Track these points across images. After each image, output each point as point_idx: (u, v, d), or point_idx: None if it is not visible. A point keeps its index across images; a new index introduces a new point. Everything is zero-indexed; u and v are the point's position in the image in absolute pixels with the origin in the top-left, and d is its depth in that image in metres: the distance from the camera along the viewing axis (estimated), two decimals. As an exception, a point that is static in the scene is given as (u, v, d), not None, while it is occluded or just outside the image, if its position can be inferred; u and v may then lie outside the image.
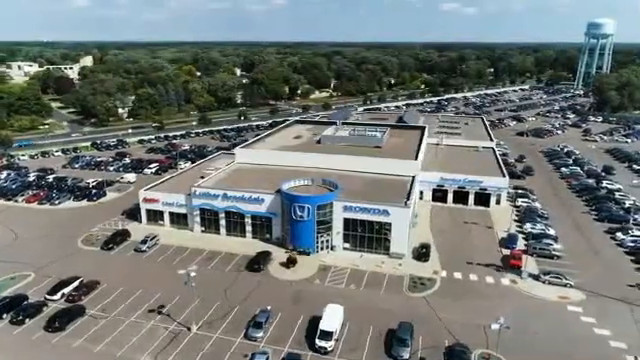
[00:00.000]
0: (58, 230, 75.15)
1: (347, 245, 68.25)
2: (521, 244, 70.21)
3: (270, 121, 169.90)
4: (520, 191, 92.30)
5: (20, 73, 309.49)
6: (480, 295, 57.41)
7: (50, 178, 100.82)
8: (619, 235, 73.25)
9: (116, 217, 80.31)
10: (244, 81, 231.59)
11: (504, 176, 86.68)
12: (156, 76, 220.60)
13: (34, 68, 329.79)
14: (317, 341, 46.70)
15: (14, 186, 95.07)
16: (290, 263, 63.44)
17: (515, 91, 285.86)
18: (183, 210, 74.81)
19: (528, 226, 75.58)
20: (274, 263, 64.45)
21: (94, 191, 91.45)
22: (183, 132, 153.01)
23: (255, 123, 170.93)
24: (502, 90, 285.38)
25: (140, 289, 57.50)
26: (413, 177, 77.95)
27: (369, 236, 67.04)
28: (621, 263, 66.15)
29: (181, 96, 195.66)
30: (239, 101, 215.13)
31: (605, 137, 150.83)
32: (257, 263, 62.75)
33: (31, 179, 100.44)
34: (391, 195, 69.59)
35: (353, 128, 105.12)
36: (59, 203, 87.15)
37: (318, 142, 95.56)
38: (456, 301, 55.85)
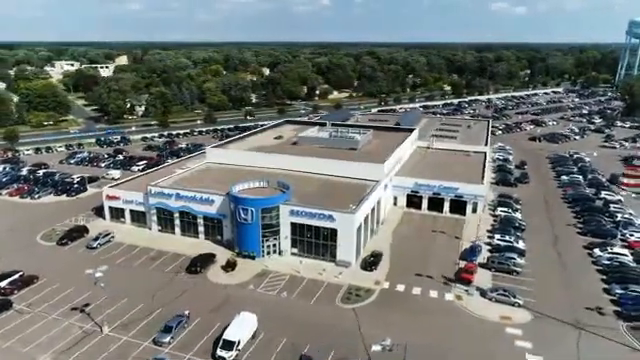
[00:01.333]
0: (26, 224, 77.08)
1: (295, 250, 66.11)
2: (484, 257, 65.69)
3: (279, 121, 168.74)
4: (502, 199, 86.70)
5: (60, 71, 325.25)
6: (415, 310, 53.85)
7: (40, 173, 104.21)
8: (596, 252, 67.06)
9: (84, 213, 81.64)
10: (262, 80, 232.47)
11: (482, 183, 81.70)
12: (176, 75, 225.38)
13: (75, 67, 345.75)
14: (218, 350, 45.02)
15: (4, 179, 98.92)
16: (228, 267, 62.05)
17: (547, 94, 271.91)
18: (142, 208, 75.01)
19: (496, 237, 70.57)
20: (216, 266, 63.25)
21: (75, 186, 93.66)
22: (187, 130, 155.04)
23: (261, 122, 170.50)
24: (531, 92, 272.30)
25: (73, 286, 57.79)
26: (376, 182, 74.82)
27: (316, 242, 64.62)
28: (589, 282, 60.42)
29: (195, 95, 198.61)
30: (254, 100, 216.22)
31: (626, 144, 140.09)
32: (195, 265, 61.74)
33: (23, 173, 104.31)
34: (346, 200, 66.71)
35: (336, 129, 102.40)
36: (39, 197, 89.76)
37: (294, 143, 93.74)
38: (386, 315, 52.62)
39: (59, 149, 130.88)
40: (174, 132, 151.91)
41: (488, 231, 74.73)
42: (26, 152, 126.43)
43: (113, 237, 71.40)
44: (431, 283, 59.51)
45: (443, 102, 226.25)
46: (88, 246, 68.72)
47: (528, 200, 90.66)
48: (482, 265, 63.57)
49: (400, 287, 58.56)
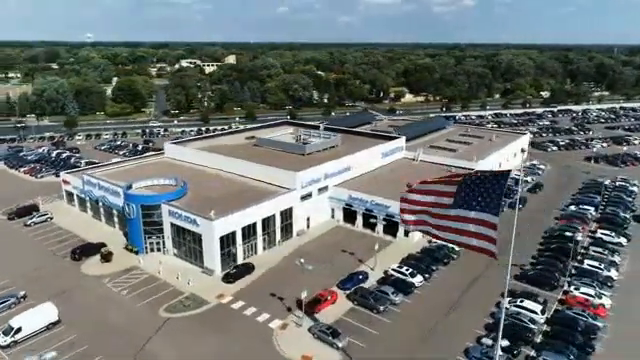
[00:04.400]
0: (7, 197, 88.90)
1: (176, 251, 65.76)
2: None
3: (317, 122, 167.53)
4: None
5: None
6: (225, 331, 49.85)
7: (63, 155, 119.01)
8: (504, 302, 53.90)
9: (57, 194, 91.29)
10: (330, 80, 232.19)
11: None
12: (251, 74, 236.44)
13: (190, 64, 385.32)
14: (-1, 334, 47.40)
15: (32, 158, 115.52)
16: (103, 258, 64.24)
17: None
18: (82, 195, 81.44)
19: (391, 267, 61.27)
20: (98, 256, 65.83)
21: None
22: (225, 127, 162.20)
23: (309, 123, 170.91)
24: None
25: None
26: (289, 190, 70.48)
27: (190, 246, 63.47)
28: (459, 335, 49.24)
29: (255, 94, 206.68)
30: (316, 100, 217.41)
31: None
32: (75, 252, 65.20)
33: (53, 155, 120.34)
34: (242, 205, 63.97)
35: (308, 132, 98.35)
36: (41, 177, 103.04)
37: (256, 145, 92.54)
38: (191, 331, 49.66)
39: (105, 136, 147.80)
40: (211, 128, 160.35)
41: (404, 259, 65.14)
42: (78, 138, 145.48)
43: (51, 218, 78.97)
44: (277, 306, 54.37)
45: (523, 111, 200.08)
46: (24, 223, 77.18)
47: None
48: (350, 296, 56.03)
49: (238, 305, 54.66)
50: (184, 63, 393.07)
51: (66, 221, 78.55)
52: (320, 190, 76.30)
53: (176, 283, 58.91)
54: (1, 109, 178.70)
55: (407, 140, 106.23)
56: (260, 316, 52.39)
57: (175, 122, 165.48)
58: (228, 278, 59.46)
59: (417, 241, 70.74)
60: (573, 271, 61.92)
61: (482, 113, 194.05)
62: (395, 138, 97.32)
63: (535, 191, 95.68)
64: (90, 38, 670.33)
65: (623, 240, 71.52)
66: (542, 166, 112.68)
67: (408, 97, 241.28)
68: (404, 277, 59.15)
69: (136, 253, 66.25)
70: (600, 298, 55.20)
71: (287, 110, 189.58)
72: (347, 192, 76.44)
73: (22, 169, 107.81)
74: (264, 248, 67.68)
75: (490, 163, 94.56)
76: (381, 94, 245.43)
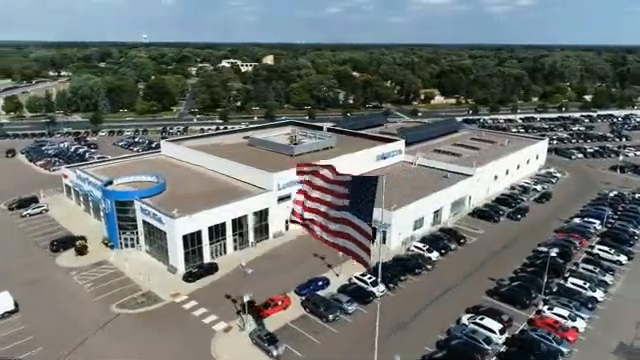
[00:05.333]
0: (15, 188, 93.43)
1: (148, 248, 66.51)
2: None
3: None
4: (440, 234, 71.04)
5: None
6: (171, 330, 49.66)
7: (80, 150, 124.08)
8: (463, 318, 50.46)
9: (60, 187, 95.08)
10: (357, 82, 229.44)
11: (391, 210, 68.02)
12: (280, 74, 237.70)
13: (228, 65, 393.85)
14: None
15: (51, 152, 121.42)
16: (77, 251, 65.93)
17: None
18: (77, 188, 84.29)
19: (354, 275, 58.93)
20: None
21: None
22: (242, 126, 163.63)
23: (320, 123, 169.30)
24: None
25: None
26: (265, 190, 69.74)
27: (159, 243, 63.94)
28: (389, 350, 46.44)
29: (280, 93, 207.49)
30: (342, 101, 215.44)
31: None
32: (53, 244, 67.35)
33: (71, 149, 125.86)
34: (208, 205, 63.94)
35: (304, 133, 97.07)
36: (53, 170, 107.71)
37: (250, 144, 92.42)
38: (140, 329, 49.92)
39: (127, 132, 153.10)
40: (229, 126, 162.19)
41: (373, 267, 62.47)
42: (101, 134, 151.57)
43: (46, 210, 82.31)
44: (229, 308, 53.62)
45: (558, 115, 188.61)
46: (21, 214, 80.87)
47: (487, 239, 72.38)
48: (305, 303, 54.35)
49: (190, 304, 54.40)
50: (224, 63, 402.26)
51: (59, 214, 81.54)
52: (301, 192, 74.82)
53: (137, 280, 59.48)
54: (41, 106, 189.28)
55: (412, 143, 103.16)
56: (208, 317, 51.82)
57: (194, 120, 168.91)
58: (188, 277, 59.37)
59: (394, 249, 67.93)
60: (555, 289, 57.25)
61: (512, 117, 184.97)
62: (390, 141, 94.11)
63: (542, 201, 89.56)
64: (145, 39, 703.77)
65: (623, 258, 65.30)
66: (558, 174, 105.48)
67: (438, 99, 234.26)
68: (365, 286, 56.72)
69: (111, 248, 67.64)
70: (574, 320, 50.52)
71: (306, 110, 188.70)
72: (328, 195, 74.43)
73: (38, 162, 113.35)
74: (235, 248, 67.18)
75: (490, 170, 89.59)
76: (411, 95, 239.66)
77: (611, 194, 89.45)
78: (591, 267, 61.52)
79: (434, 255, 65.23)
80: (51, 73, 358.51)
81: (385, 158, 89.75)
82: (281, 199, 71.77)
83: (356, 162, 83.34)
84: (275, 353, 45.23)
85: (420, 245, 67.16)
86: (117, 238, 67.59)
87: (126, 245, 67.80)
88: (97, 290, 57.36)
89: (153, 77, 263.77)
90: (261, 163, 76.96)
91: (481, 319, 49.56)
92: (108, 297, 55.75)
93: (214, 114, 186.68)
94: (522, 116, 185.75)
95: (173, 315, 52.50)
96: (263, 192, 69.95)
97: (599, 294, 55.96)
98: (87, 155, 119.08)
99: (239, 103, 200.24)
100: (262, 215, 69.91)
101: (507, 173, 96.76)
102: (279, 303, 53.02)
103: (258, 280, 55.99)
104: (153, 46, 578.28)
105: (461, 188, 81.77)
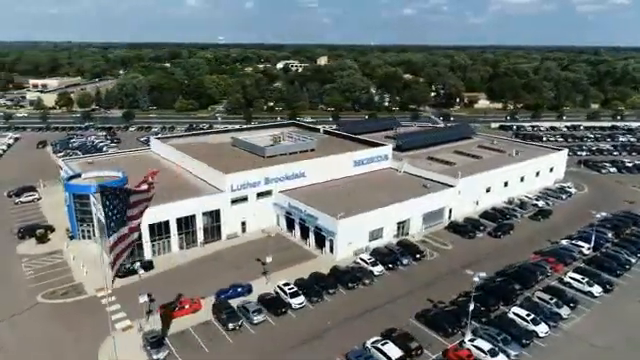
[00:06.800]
0: (23, 177, 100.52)
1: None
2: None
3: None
4: (400, 248, 66.68)
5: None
6: (76, 324, 50.73)
7: (100, 144, 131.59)
8: (367, 342, 46.39)
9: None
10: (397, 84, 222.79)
11: (338, 218, 64.10)
12: (320, 75, 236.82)
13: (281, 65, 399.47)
14: None
15: (76, 144, 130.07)
16: (38, 240, 69.42)
17: None
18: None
19: (279, 284, 56.37)
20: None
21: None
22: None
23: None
24: None
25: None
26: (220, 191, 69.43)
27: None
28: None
29: (314, 94, 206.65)
30: (377, 103, 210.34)
31: None
32: (20, 231, 71.53)
33: (95, 142, 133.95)
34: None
35: (297, 135, 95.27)
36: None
37: (233, 145, 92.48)
38: (45, 320, 51.41)
39: (154, 129, 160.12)
40: (249, 124, 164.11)
41: (304, 278, 59.51)
42: (131, 129, 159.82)
43: (38, 199, 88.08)
44: (142, 307, 53.49)
45: (611, 124, 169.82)
46: (15, 201, 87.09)
47: (450, 256, 66.58)
48: (215, 307, 53.02)
49: (108, 300, 54.85)
50: (279, 65, 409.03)
51: (48, 203, 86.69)
52: (261, 195, 73.49)
53: (76, 271, 61.41)
54: (90, 102, 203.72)
55: (409, 149, 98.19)
56: (116, 315, 52.05)
57: (219, 119, 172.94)
58: (119, 273, 60.17)
59: (341, 259, 64.46)
60: (492, 317, 51.19)
61: (557, 124, 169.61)
62: (380, 145, 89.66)
63: (538, 218, 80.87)
64: (222, 40, 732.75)
65: (597, 289, 56.86)
66: (573, 189, 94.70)
67: (483, 103, 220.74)
68: (284, 296, 54.21)
69: (71, 238, 70.60)
70: (494, 356, 44.67)
71: (329, 112, 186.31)
72: (287, 199, 72.49)
73: (59, 154, 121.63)
74: (181, 247, 67.32)
75: (480, 181, 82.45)
76: (455, 99, 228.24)
77: (598, 215, 75.19)
78: (547, 297, 54.20)
79: (377, 269, 60.94)
80: (121, 72, 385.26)
81: (365, 164, 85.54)
82: (235, 201, 70.90)
83: (327, 166, 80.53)
84: (155, 357, 44.41)
85: (365, 257, 63.10)
86: (76, 229, 70.40)
87: (84, 237, 70.41)
88: (36, 278, 59.96)
89: (207, 76, 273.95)
90: (231, 163, 76.64)
91: (383, 344, 45.31)
92: (41, 286, 58.01)
93: (240, 114, 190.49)
94: (568, 124, 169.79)
95: (87, 310, 53.41)
96: (215, 192, 69.46)
97: (542, 328, 49.07)
98: (104, 149, 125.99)
99: (271, 103, 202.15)
100: (214, 216, 69.45)
101: (506, 185, 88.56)
102: (186, 306, 52.17)
103: (188, 281, 55.95)
104: (226, 47, 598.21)
105: (436, 199, 75.92)
